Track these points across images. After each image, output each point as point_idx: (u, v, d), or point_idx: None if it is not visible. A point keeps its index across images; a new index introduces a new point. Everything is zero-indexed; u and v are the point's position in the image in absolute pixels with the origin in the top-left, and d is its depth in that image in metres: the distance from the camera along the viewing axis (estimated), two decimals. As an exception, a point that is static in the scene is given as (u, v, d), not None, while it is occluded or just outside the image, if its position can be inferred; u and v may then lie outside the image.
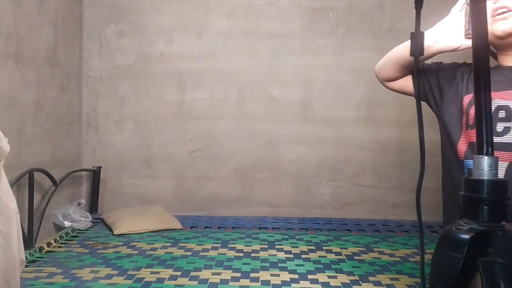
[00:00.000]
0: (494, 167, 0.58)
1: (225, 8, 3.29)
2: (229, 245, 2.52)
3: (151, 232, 2.76)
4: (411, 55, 0.88)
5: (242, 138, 3.31)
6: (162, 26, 3.30)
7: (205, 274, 2.05)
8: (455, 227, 0.58)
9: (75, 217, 2.84)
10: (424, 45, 1.11)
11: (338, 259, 2.31)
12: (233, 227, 2.96)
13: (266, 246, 2.52)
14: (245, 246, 2.52)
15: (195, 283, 1.94)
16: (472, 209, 0.58)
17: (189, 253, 2.36)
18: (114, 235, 2.69)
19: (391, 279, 2.02)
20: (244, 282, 1.97)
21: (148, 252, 2.37)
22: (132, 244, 2.53)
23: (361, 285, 1.95)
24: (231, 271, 2.10)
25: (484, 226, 0.56)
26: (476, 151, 1.04)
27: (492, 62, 1.17)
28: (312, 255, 2.36)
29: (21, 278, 1.37)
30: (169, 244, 2.53)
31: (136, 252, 2.38)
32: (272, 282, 1.97)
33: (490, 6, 1.07)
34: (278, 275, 2.05)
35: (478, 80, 0.60)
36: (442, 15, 1.18)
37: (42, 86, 2.69)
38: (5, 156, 1.23)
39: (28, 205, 2.45)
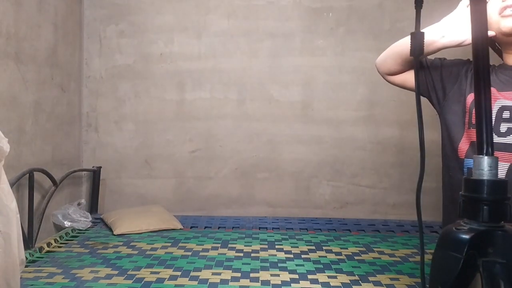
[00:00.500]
0: (494, 167, 0.58)
1: (225, 8, 3.29)
2: (229, 245, 2.52)
3: (151, 232, 2.76)
4: (411, 55, 0.88)
5: (242, 138, 3.31)
6: (162, 26, 3.30)
7: (205, 274, 2.05)
8: (455, 227, 0.58)
9: (75, 217, 2.84)
10: (430, 39, 1.11)
11: (338, 259, 2.31)
12: (233, 227, 2.96)
13: (266, 246, 2.52)
14: (245, 246, 2.52)
15: (195, 283, 1.94)
16: (472, 209, 0.58)
17: (189, 253, 2.36)
18: (114, 235, 2.69)
19: (391, 279, 2.02)
20: (244, 282, 1.97)
21: (148, 252, 2.37)
22: (132, 244, 2.53)
23: (361, 285, 1.95)
24: (231, 271, 2.10)
25: (484, 226, 0.56)
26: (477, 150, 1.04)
27: (497, 60, 1.17)
28: (312, 255, 2.36)
29: (21, 278, 1.37)
30: (169, 244, 2.53)
31: (136, 252, 2.38)
32: (272, 282, 1.97)
33: (498, 4, 1.07)
34: (278, 275, 2.05)
35: (478, 79, 0.60)
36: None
37: (42, 86, 2.69)
38: (5, 156, 1.22)
39: (28, 205, 2.45)
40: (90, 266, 2.13)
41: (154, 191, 3.33)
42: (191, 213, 3.27)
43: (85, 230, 2.83)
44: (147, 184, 3.34)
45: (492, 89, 1.06)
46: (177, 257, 2.30)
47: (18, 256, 1.29)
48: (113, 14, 3.30)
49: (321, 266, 2.19)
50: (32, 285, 1.89)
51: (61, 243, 2.54)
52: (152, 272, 2.06)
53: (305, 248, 2.48)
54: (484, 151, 0.58)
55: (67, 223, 2.79)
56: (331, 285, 1.95)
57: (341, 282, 1.97)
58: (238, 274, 2.06)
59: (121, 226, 2.74)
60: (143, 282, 1.94)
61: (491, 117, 0.60)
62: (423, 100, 1.20)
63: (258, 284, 1.95)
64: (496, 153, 0.60)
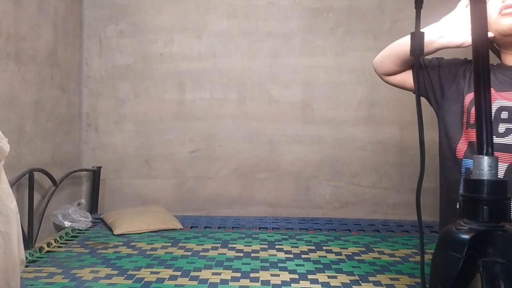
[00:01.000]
0: (494, 167, 0.58)
1: (225, 8, 3.29)
2: (229, 245, 2.52)
3: (151, 232, 2.76)
4: (411, 55, 0.88)
5: (242, 138, 3.31)
6: (162, 26, 3.30)
7: (205, 274, 2.05)
8: (455, 227, 0.58)
9: (75, 217, 2.84)
10: (428, 39, 1.10)
11: (338, 259, 2.31)
12: (233, 227, 2.96)
13: (266, 246, 2.52)
14: (245, 246, 2.52)
15: (195, 283, 1.94)
16: (472, 209, 0.58)
17: (189, 253, 2.36)
18: (114, 235, 2.69)
19: (391, 279, 2.02)
20: (244, 282, 1.97)
21: (148, 252, 2.37)
22: (132, 244, 2.53)
23: (361, 285, 1.95)
24: (231, 271, 2.10)
25: (484, 226, 0.56)
26: (476, 150, 1.04)
27: (495, 61, 1.17)
28: (312, 255, 2.36)
29: (21, 278, 1.37)
30: (169, 244, 2.53)
31: (136, 252, 2.38)
32: (272, 282, 1.97)
33: (498, 4, 1.06)
34: (278, 275, 2.05)
35: (478, 79, 0.60)
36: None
37: (42, 86, 2.69)
38: (5, 156, 1.22)
39: (28, 205, 2.45)
40: (90, 266, 2.13)
41: (154, 191, 3.33)
42: (191, 213, 3.27)
43: (85, 230, 2.83)
44: (147, 184, 3.34)
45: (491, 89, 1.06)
46: (177, 257, 2.30)
47: (18, 256, 1.29)
48: (113, 14, 3.30)
49: (321, 266, 2.19)
50: (32, 285, 1.89)
51: (61, 243, 2.54)
52: (152, 272, 2.06)
53: (305, 248, 2.48)
54: (484, 151, 0.58)
55: (67, 223, 2.79)
56: (331, 285, 1.95)
57: (341, 282, 1.97)
58: (238, 274, 2.06)
59: (121, 226, 2.74)
60: (143, 282, 1.94)
61: (491, 117, 0.60)
62: (423, 100, 1.20)
63: (258, 284, 1.95)
64: (495, 154, 0.59)
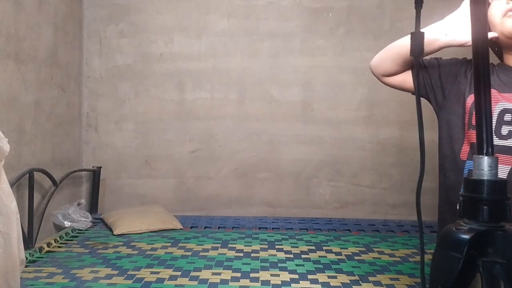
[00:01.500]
0: (494, 167, 0.58)
1: (225, 8, 3.29)
2: (229, 245, 2.52)
3: (151, 232, 2.76)
4: (411, 55, 0.88)
5: (242, 138, 3.31)
6: (162, 26, 3.30)
7: (205, 274, 2.05)
8: (455, 227, 0.58)
9: (75, 217, 2.84)
10: (433, 37, 1.10)
11: (338, 259, 2.31)
12: (233, 227, 2.96)
13: (266, 246, 2.52)
14: (245, 246, 2.52)
15: (195, 283, 1.94)
16: (472, 209, 0.58)
17: (189, 253, 2.36)
18: (114, 235, 2.69)
19: (391, 279, 2.02)
20: (244, 282, 1.97)
21: (148, 252, 2.37)
22: (132, 244, 2.53)
23: (361, 285, 1.95)
24: (231, 271, 2.10)
25: (484, 226, 0.56)
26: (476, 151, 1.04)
27: (493, 60, 1.17)
28: (312, 255, 2.36)
29: (21, 278, 1.37)
30: (169, 244, 2.53)
31: (136, 252, 2.38)
32: (272, 282, 1.97)
33: (502, 6, 1.06)
34: (278, 275, 2.05)
35: (478, 80, 0.60)
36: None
37: (42, 86, 2.69)
38: (5, 156, 1.23)
39: (28, 205, 2.45)
40: (90, 266, 2.13)
41: (154, 191, 3.33)
42: (191, 213, 3.27)
43: (85, 230, 2.83)
44: (147, 184, 3.34)
45: (493, 90, 1.05)
46: (177, 257, 2.30)
47: (18, 256, 1.29)
48: (113, 14, 3.30)
49: (321, 266, 2.19)
50: (32, 285, 1.89)
51: (61, 243, 2.54)
52: (152, 272, 2.06)
53: (305, 248, 2.48)
54: (484, 151, 0.58)
55: (67, 223, 2.79)
56: (331, 285, 1.95)
57: (341, 282, 1.97)
58: (238, 274, 2.06)
59: (121, 226, 2.74)
60: (143, 282, 1.94)
61: (491, 117, 0.60)
62: (423, 100, 1.20)
63: (258, 284, 1.95)
64: (498, 156, 0.59)
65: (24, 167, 2.43)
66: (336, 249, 2.49)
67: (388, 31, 3.20)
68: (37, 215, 2.57)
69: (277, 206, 3.32)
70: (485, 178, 0.57)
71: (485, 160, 0.58)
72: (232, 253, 2.38)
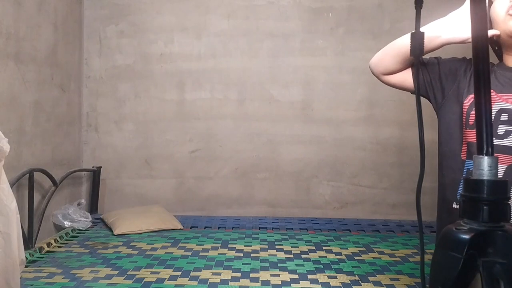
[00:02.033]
0: (494, 167, 0.57)
1: (225, 8, 3.29)
2: (229, 245, 2.52)
3: (151, 232, 2.76)
4: (411, 55, 0.88)
5: (242, 138, 3.31)
6: (162, 26, 3.30)
7: (205, 274, 2.05)
8: (455, 227, 0.58)
9: (75, 217, 2.84)
10: (434, 35, 1.10)
11: (338, 259, 2.31)
12: (233, 227, 2.96)
13: (266, 246, 2.52)
14: (245, 246, 2.52)
15: (195, 283, 1.94)
16: (472, 209, 0.58)
17: (189, 253, 2.36)
18: (114, 235, 2.69)
19: (391, 279, 2.02)
20: (244, 282, 1.97)
21: (148, 252, 2.37)
22: (132, 244, 2.53)
23: (361, 285, 1.95)
24: (231, 271, 2.10)
25: (484, 226, 0.56)
26: (473, 152, 1.04)
27: (493, 59, 1.17)
28: (312, 255, 2.36)
29: (21, 278, 1.37)
30: (169, 244, 2.53)
31: (136, 252, 2.38)
32: (272, 282, 1.97)
33: (506, 4, 1.05)
34: (278, 275, 2.05)
35: (478, 79, 0.60)
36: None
37: (42, 86, 2.69)
38: (5, 156, 1.23)
39: (28, 205, 2.45)
40: (90, 266, 2.13)
41: (154, 191, 3.33)
42: (191, 213, 3.27)
43: (85, 230, 2.83)
44: (147, 184, 3.34)
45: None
46: (177, 257, 2.30)
47: (18, 256, 1.29)
48: (113, 14, 3.30)
49: (321, 266, 2.20)
50: (32, 285, 1.89)
51: (61, 243, 2.54)
52: (152, 272, 2.06)
53: (305, 248, 2.48)
54: (484, 151, 0.58)
55: (67, 223, 2.79)
56: (331, 285, 1.95)
57: (341, 282, 1.97)
58: (238, 274, 2.06)
59: (121, 226, 2.74)
60: (143, 282, 1.94)
61: (491, 117, 0.59)
62: (423, 100, 1.20)
63: (258, 284, 1.95)
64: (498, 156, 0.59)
65: (24, 167, 2.43)
66: (336, 249, 2.49)
67: (388, 31, 3.20)
68: (37, 215, 2.57)
69: (277, 206, 3.32)
70: (485, 178, 0.57)
71: (485, 160, 0.58)
72: (232, 253, 2.38)
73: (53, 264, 2.17)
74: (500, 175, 0.99)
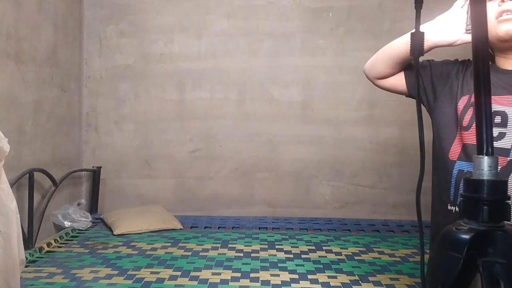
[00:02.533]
0: (494, 167, 0.57)
1: (225, 8, 3.29)
2: (229, 245, 2.52)
3: (151, 232, 2.76)
4: (411, 55, 0.88)
5: (242, 138, 3.31)
6: (162, 26, 3.30)
7: (205, 274, 2.05)
8: (455, 227, 0.58)
9: (75, 217, 2.84)
10: None
11: (338, 259, 2.31)
12: (233, 227, 2.96)
13: (266, 246, 2.52)
14: (245, 246, 2.52)
15: (195, 283, 1.94)
16: (472, 209, 0.58)
17: (189, 253, 2.36)
18: (114, 235, 2.69)
19: (391, 279, 2.02)
20: (244, 282, 1.97)
21: (148, 252, 2.37)
22: (132, 244, 2.53)
23: (361, 285, 1.95)
24: (231, 271, 2.11)
25: (484, 226, 0.56)
26: (468, 153, 1.04)
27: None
28: (312, 255, 2.36)
29: (21, 278, 1.37)
30: (169, 244, 2.53)
31: (136, 252, 2.38)
32: (272, 282, 1.97)
33: (495, 9, 1.06)
34: (278, 275, 2.05)
35: (478, 79, 0.60)
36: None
37: (42, 86, 2.69)
38: (5, 156, 1.23)
39: (28, 205, 2.45)
40: (90, 266, 2.13)
41: (154, 191, 3.33)
42: (191, 213, 3.27)
43: (85, 230, 2.83)
44: (147, 184, 3.34)
45: None
46: (177, 257, 2.30)
47: (18, 256, 1.29)
48: (113, 14, 3.30)
49: (321, 266, 2.20)
50: (32, 285, 1.89)
51: (61, 243, 2.54)
52: (152, 272, 2.06)
53: (305, 248, 2.48)
54: (484, 151, 0.58)
55: (67, 223, 2.79)
56: (331, 285, 1.95)
57: (341, 282, 1.97)
58: (238, 274, 2.06)
59: (121, 226, 2.74)
60: (143, 282, 1.94)
61: (491, 117, 0.60)
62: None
63: (258, 284, 1.95)
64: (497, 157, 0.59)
65: (24, 167, 2.43)
66: (336, 249, 2.49)
67: (388, 31, 3.20)
68: (37, 215, 2.57)
69: (277, 206, 3.32)
70: (485, 178, 0.57)
71: (485, 160, 0.58)
72: (232, 253, 2.38)
73: (53, 264, 2.17)
74: None
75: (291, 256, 2.35)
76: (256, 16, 3.28)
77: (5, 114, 2.30)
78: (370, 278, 2.03)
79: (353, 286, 1.93)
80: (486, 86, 0.60)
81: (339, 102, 3.28)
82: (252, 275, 2.05)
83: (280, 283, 1.96)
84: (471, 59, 1.19)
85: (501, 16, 1.03)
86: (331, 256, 2.35)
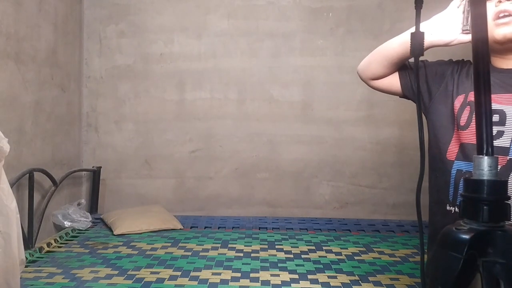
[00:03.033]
0: (494, 167, 0.58)
1: (225, 8, 3.29)
2: (229, 245, 2.52)
3: (151, 232, 2.76)
4: (411, 55, 0.88)
5: (242, 138, 3.31)
6: (162, 26, 3.30)
7: (205, 274, 2.05)
8: (455, 227, 0.58)
9: (75, 217, 2.84)
10: None
11: (338, 259, 2.31)
12: (233, 227, 2.96)
13: (266, 246, 2.52)
14: (245, 246, 2.52)
15: (195, 283, 1.94)
16: (472, 209, 0.58)
17: (189, 253, 2.36)
18: (114, 235, 2.69)
19: (391, 279, 2.02)
20: (244, 282, 1.97)
21: (148, 252, 2.37)
22: (132, 244, 2.53)
23: (361, 285, 1.95)
24: (231, 271, 2.11)
25: (484, 226, 0.56)
26: (466, 153, 1.04)
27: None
28: (312, 255, 2.36)
29: (21, 278, 1.37)
30: (169, 244, 2.53)
31: (136, 252, 2.38)
32: (272, 282, 1.97)
33: (492, 9, 1.06)
34: (278, 275, 2.06)
35: (478, 79, 0.60)
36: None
37: (42, 86, 2.69)
38: (5, 156, 1.22)
39: (28, 205, 2.45)
40: (90, 266, 2.13)
41: (154, 191, 3.33)
42: (191, 213, 3.27)
43: (85, 230, 2.83)
44: (147, 184, 3.34)
45: None
46: (177, 257, 2.30)
47: (18, 256, 1.29)
48: (113, 14, 3.30)
49: (321, 266, 2.20)
50: (32, 285, 1.89)
51: (61, 243, 2.54)
52: (152, 272, 2.06)
53: (305, 248, 2.48)
54: (484, 151, 0.58)
55: (67, 223, 2.79)
56: (331, 285, 1.95)
57: (341, 282, 1.97)
58: (238, 274, 2.06)
59: (121, 226, 2.74)
60: (143, 282, 1.94)
61: (491, 117, 0.60)
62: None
63: (258, 284, 1.95)
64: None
65: (24, 167, 2.43)
66: (336, 249, 2.49)
67: (388, 31, 3.20)
68: (37, 215, 2.57)
69: (277, 206, 3.32)
70: (485, 178, 0.57)
71: (485, 160, 0.58)
72: (232, 253, 2.38)
73: (53, 264, 2.17)
74: None
75: (291, 256, 2.35)
76: (256, 16, 3.28)
77: (5, 114, 2.30)
78: (370, 278, 2.03)
79: (353, 286, 1.93)
80: (486, 86, 0.60)
81: (339, 102, 3.28)
82: (252, 275, 2.05)
83: (280, 283, 1.96)
84: (465, 59, 1.20)
85: (498, 17, 1.03)
86: (331, 256, 2.35)
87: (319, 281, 1.99)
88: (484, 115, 0.59)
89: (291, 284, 1.95)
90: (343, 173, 3.30)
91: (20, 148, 2.45)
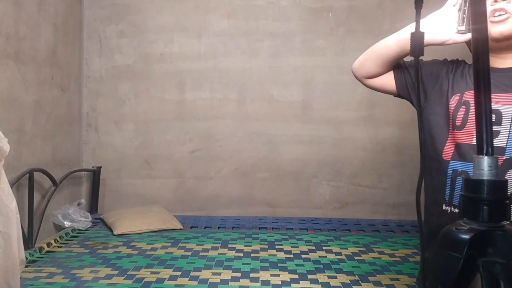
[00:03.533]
0: (494, 167, 0.58)
1: (225, 8, 3.29)
2: (229, 245, 2.52)
3: (151, 232, 2.76)
4: (411, 55, 0.88)
5: (242, 138, 3.31)
6: (162, 26, 3.30)
7: (205, 274, 2.05)
8: (455, 227, 0.58)
9: (75, 217, 2.84)
10: None
11: (338, 259, 2.31)
12: (233, 227, 2.96)
13: (266, 246, 2.52)
14: (245, 246, 2.52)
15: (195, 283, 1.94)
16: (472, 209, 0.58)
17: (189, 253, 2.36)
18: (114, 235, 2.69)
19: (391, 279, 2.02)
20: (244, 282, 1.97)
21: (148, 252, 2.37)
22: (132, 244, 2.53)
23: (361, 285, 1.95)
24: (231, 271, 2.11)
25: (484, 226, 0.56)
26: (462, 152, 1.04)
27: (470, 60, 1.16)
28: (312, 255, 2.36)
29: (21, 278, 1.37)
30: (169, 244, 2.53)
31: (136, 252, 2.38)
32: (272, 282, 1.97)
33: (488, 8, 1.06)
34: (278, 275, 2.06)
35: (478, 79, 0.60)
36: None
37: (42, 86, 2.69)
38: (5, 156, 1.22)
39: (28, 205, 2.45)
40: (90, 266, 2.13)
41: (154, 191, 3.33)
42: (191, 213, 3.27)
43: (85, 230, 2.83)
44: (147, 184, 3.34)
45: None
46: (177, 257, 2.30)
47: (18, 256, 1.29)
48: (113, 14, 3.30)
49: (321, 266, 2.20)
50: (32, 285, 1.89)
51: (61, 243, 2.54)
52: (152, 272, 2.06)
53: (305, 248, 2.48)
54: (484, 151, 0.58)
55: (67, 223, 2.79)
56: (331, 285, 1.95)
57: (341, 282, 1.97)
58: (238, 274, 2.06)
59: (121, 226, 2.74)
60: (143, 282, 1.94)
61: (491, 117, 0.60)
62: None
63: (258, 284, 1.95)
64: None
65: (24, 167, 2.43)
66: (336, 249, 2.49)
67: (388, 31, 3.16)
68: (37, 215, 2.57)
69: (277, 206, 3.32)
70: (485, 178, 0.57)
71: (485, 160, 0.58)
72: (232, 253, 2.38)
73: (53, 264, 2.17)
74: None
75: (291, 256, 2.35)
76: (256, 16, 3.28)
77: (5, 114, 2.30)
78: (370, 278, 2.03)
79: (353, 286, 1.93)
80: (486, 86, 0.60)
81: (339, 102, 3.28)
82: (252, 275, 2.05)
83: (280, 283, 1.96)
84: (460, 59, 1.20)
85: (494, 15, 1.03)
86: (331, 256, 2.35)
87: (319, 281, 1.99)
88: (484, 114, 0.59)
89: (291, 284, 1.95)
90: (343, 173, 3.30)
91: (20, 148, 2.45)
